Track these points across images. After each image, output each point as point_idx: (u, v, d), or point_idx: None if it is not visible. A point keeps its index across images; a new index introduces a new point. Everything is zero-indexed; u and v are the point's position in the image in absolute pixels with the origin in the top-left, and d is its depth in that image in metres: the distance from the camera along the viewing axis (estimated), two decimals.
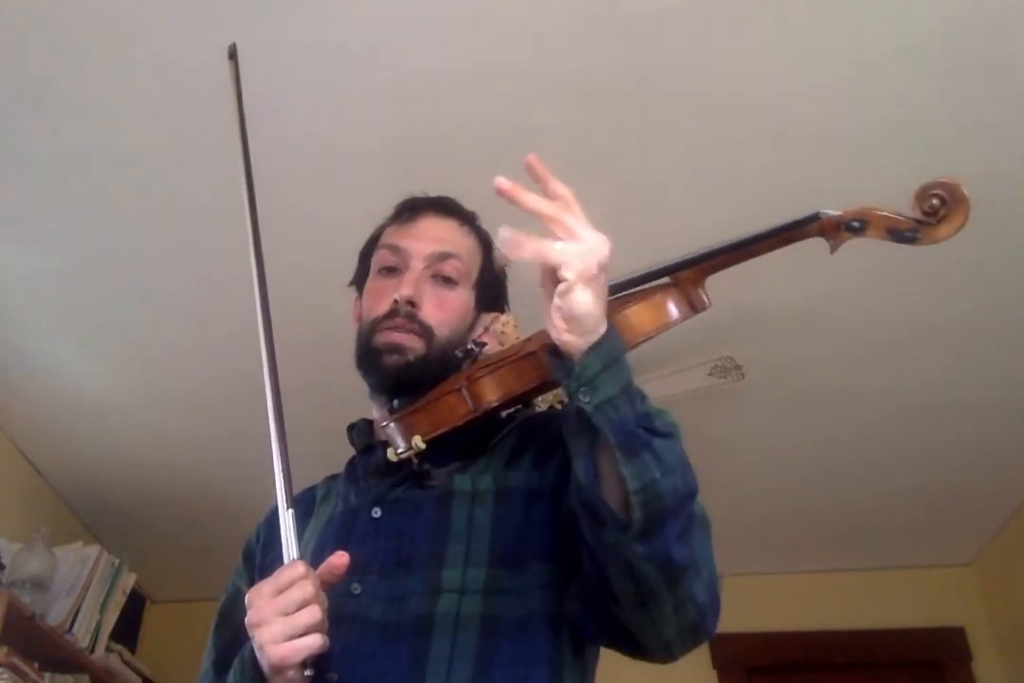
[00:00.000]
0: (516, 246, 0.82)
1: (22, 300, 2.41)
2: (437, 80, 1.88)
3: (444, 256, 1.16)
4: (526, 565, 0.98)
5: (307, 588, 0.87)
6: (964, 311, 2.38)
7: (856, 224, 0.92)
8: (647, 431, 0.84)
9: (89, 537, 3.17)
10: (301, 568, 0.89)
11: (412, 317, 1.11)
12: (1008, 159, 1.98)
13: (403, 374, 1.09)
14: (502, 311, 1.22)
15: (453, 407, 1.02)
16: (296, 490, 1.06)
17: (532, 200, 0.82)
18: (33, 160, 2.04)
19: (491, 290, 1.21)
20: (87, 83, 1.89)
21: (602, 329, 0.84)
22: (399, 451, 1.04)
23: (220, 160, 1.94)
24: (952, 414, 2.71)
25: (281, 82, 1.87)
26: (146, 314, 2.45)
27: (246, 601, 0.90)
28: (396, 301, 1.11)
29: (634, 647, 0.94)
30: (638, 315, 0.93)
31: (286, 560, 0.94)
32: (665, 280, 0.98)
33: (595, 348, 0.84)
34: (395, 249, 1.17)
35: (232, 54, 1.46)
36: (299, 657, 0.85)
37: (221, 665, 1.04)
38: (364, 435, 1.18)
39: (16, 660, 2.36)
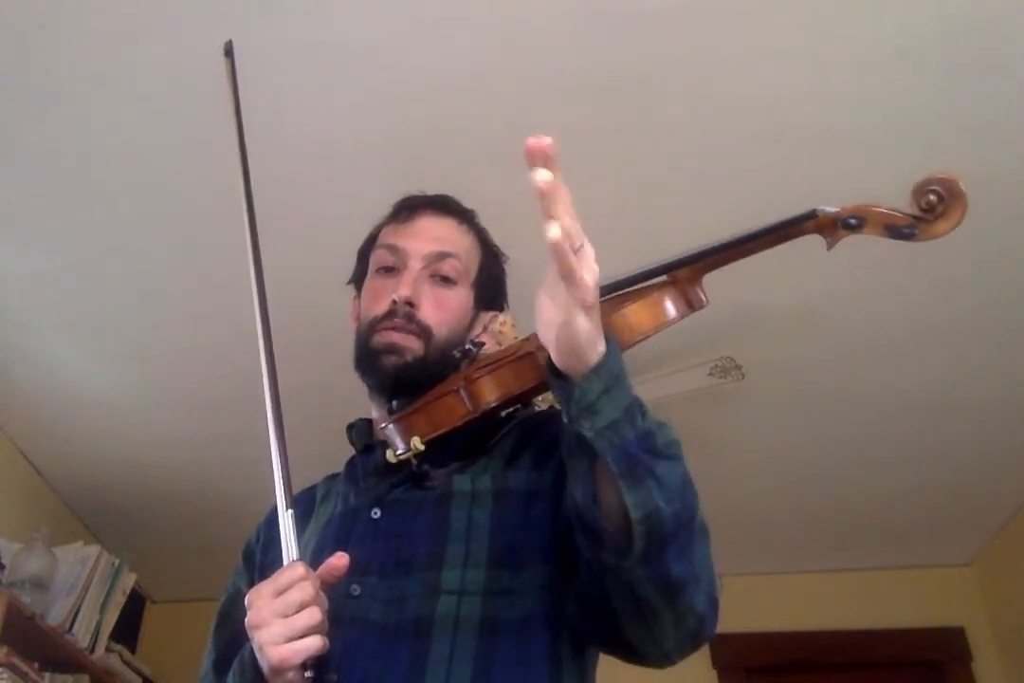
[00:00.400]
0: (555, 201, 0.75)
1: (22, 300, 2.41)
2: (437, 80, 1.88)
3: (442, 256, 1.16)
4: (525, 566, 0.98)
5: (307, 589, 0.87)
6: (964, 311, 2.37)
7: (853, 221, 0.91)
8: (649, 454, 0.84)
9: (89, 537, 3.17)
10: (301, 569, 0.89)
11: (410, 317, 1.11)
12: (1008, 159, 1.98)
13: (402, 374, 1.08)
14: (501, 309, 1.22)
15: (452, 408, 1.02)
16: (296, 490, 1.06)
17: (566, 211, 0.76)
18: (33, 160, 2.04)
19: (490, 289, 1.21)
20: (87, 83, 1.89)
21: (601, 348, 0.83)
22: (398, 452, 1.04)
23: (220, 160, 1.93)
24: (952, 414, 2.71)
25: (281, 82, 1.87)
26: (146, 314, 2.45)
27: (246, 602, 0.90)
28: (394, 301, 1.11)
29: (632, 655, 0.94)
30: (636, 314, 0.93)
31: (286, 561, 0.94)
32: (662, 278, 0.97)
33: (596, 370, 0.82)
34: (393, 249, 1.17)
35: (228, 51, 1.46)
36: (299, 658, 0.85)
37: (221, 665, 1.04)
38: (364, 435, 1.18)
39: (16, 660, 2.36)
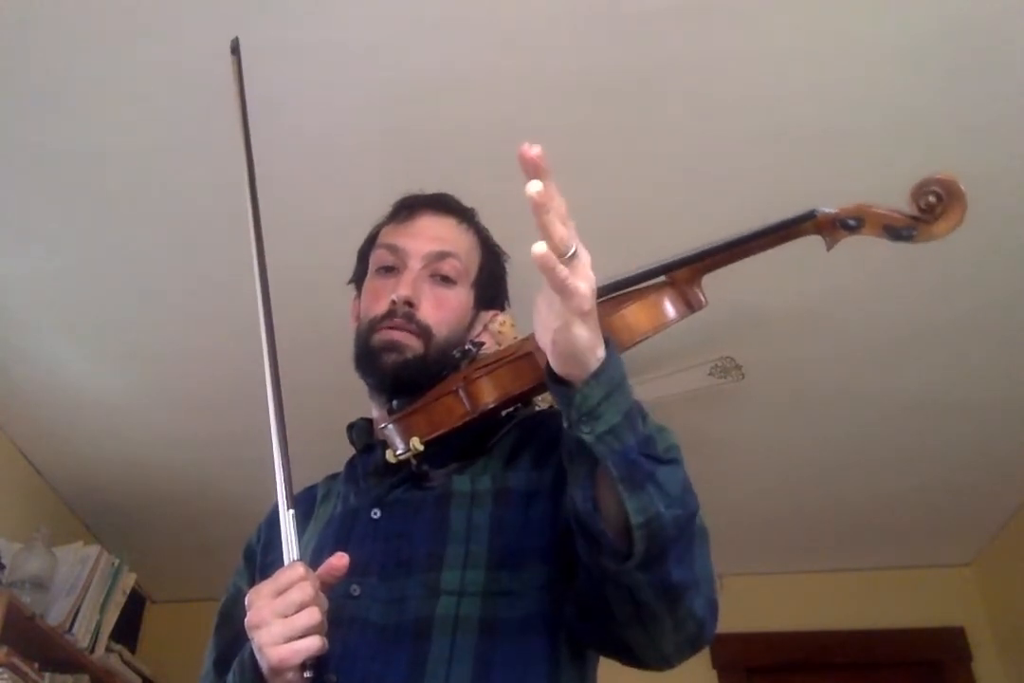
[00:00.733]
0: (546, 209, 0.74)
1: (22, 300, 2.41)
2: (437, 80, 1.88)
3: (442, 255, 1.15)
4: (525, 566, 0.98)
5: (306, 590, 0.87)
6: (964, 311, 2.37)
7: (852, 222, 0.91)
8: (649, 459, 0.83)
9: (89, 537, 3.17)
10: (301, 570, 0.89)
11: (410, 317, 1.10)
12: (1008, 159, 1.98)
13: (401, 373, 1.08)
14: (502, 309, 1.21)
15: (451, 408, 1.02)
16: (296, 489, 1.06)
17: (559, 219, 0.76)
18: (33, 160, 2.04)
19: (490, 288, 1.21)
20: (87, 83, 1.89)
21: (601, 353, 0.82)
22: (398, 452, 1.03)
23: (220, 160, 1.93)
24: (952, 414, 2.71)
25: (281, 82, 1.87)
26: (146, 314, 2.45)
27: (246, 602, 0.90)
28: (394, 301, 1.11)
29: (631, 658, 0.94)
30: (635, 315, 0.93)
31: (286, 561, 0.94)
32: (661, 279, 0.97)
33: (596, 376, 0.82)
34: (393, 248, 1.17)
35: (235, 48, 1.46)
36: (298, 659, 0.85)
37: (222, 665, 1.04)
38: (364, 434, 1.18)
39: (16, 660, 2.36)
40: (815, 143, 1.99)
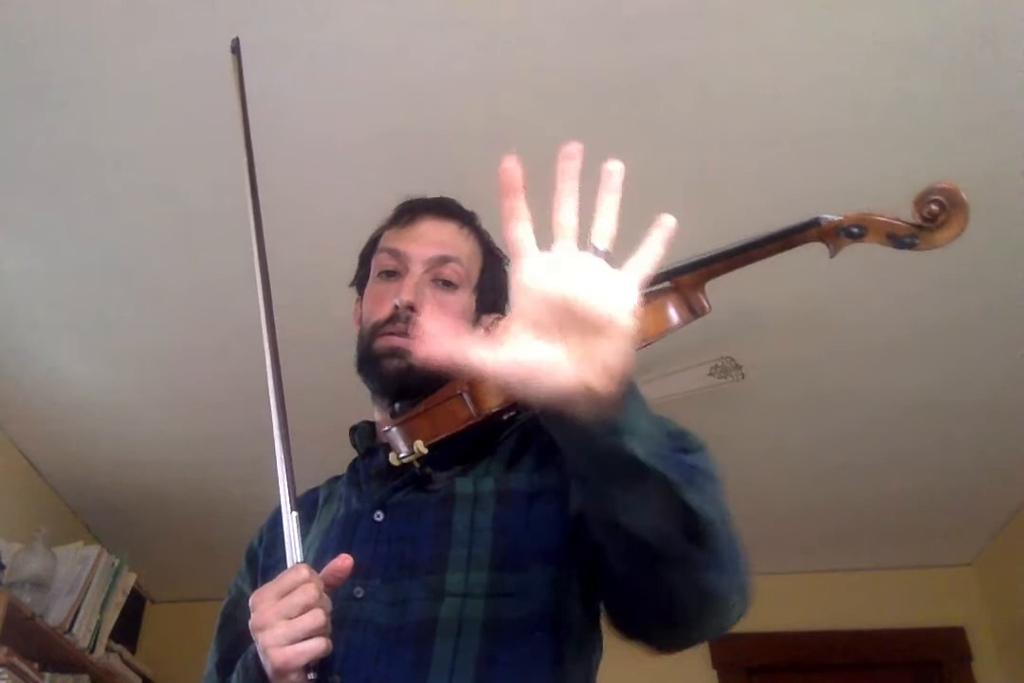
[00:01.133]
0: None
1: (22, 299, 2.41)
2: (437, 80, 1.88)
3: (444, 260, 1.15)
4: (528, 567, 0.98)
5: (310, 592, 0.88)
6: (964, 311, 2.38)
7: (855, 230, 0.92)
8: (685, 452, 0.83)
9: (89, 537, 3.17)
10: (304, 572, 0.90)
11: (412, 322, 1.11)
12: (1008, 159, 1.98)
13: (404, 379, 1.08)
14: (503, 312, 1.22)
15: (455, 412, 1.02)
16: (298, 491, 1.06)
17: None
18: (34, 160, 2.04)
19: (492, 292, 1.21)
20: (88, 82, 1.89)
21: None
22: (401, 456, 1.04)
23: (220, 160, 1.93)
24: (952, 414, 2.71)
25: (281, 82, 1.87)
26: (146, 314, 2.45)
27: (250, 604, 0.90)
28: (396, 306, 1.11)
29: (647, 645, 0.93)
30: (639, 320, 0.93)
31: (290, 563, 0.94)
32: (665, 284, 0.97)
33: (630, 391, 0.73)
34: (395, 253, 1.17)
35: (235, 48, 1.46)
36: (302, 661, 0.85)
37: (225, 667, 1.04)
38: (366, 438, 1.18)
39: (16, 660, 2.36)
40: (815, 143, 1.99)
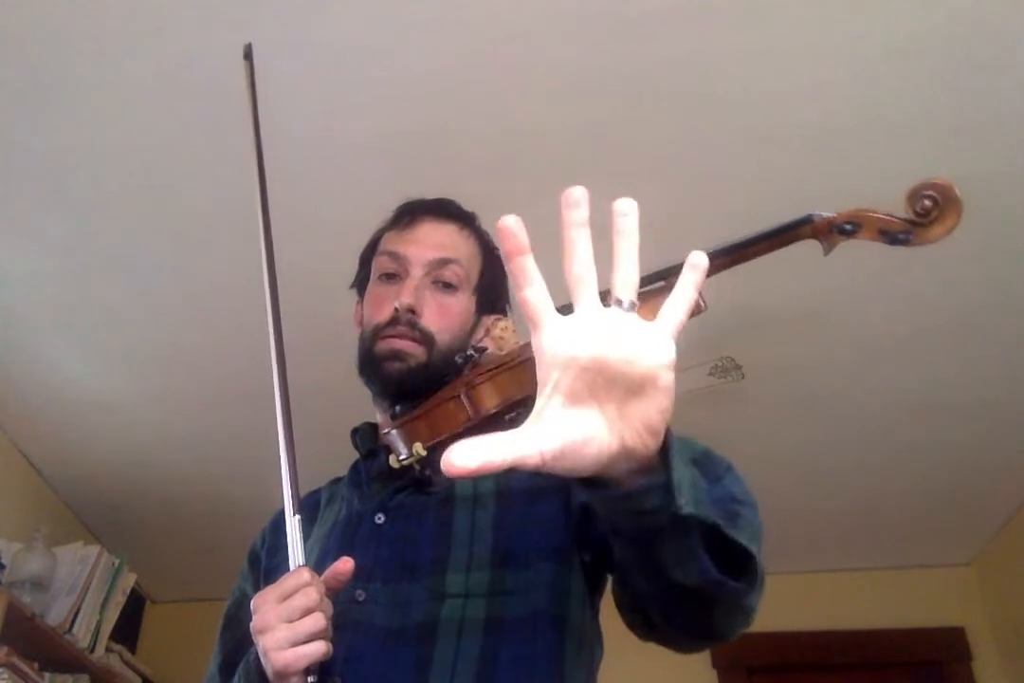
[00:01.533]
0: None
1: (22, 300, 2.41)
2: (437, 80, 1.88)
3: (444, 262, 1.15)
4: (529, 564, 0.98)
5: (311, 595, 0.88)
6: (964, 311, 2.38)
7: (849, 226, 0.91)
8: (716, 484, 0.83)
9: (89, 537, 3.17)
10: (306, 575, 0.90)
11: (413, 325, 1.10)
12: (1008, 159, 1.98)
13: (405, 381, 1.08)
14: (503, 313, 1.22)
15: (453, 414, 1.02)
16: (300, 492, 1.06)
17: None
18: (34, 160, 2.04)
19: (491, 294, 1.21)
20: (90, 84, 1.89)
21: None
22: (401, 458, 1.04)
23: (222, 160, 1.94)
24: (952, 414, 2.71)
25: (281, 83, 1.87)
26: (146, 314, 2.45)
27: (251, 606, 0.90)
28: (397, 309, 1.11)
29: (666, 647, 0.91)
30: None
31: (291, 566, 0.94)
32: (660, 284, 0.97)
33: (668, 440, 0.67)
34: (395, 255, 1.17)
35: (247, 54, 1.46)
36: (302, 664, 0.86)
37: (227, 668, 1.05)
38: (368, 439, 1.18)
39: (16, 660, 2.36)
40: (814, 142, 1.99)
